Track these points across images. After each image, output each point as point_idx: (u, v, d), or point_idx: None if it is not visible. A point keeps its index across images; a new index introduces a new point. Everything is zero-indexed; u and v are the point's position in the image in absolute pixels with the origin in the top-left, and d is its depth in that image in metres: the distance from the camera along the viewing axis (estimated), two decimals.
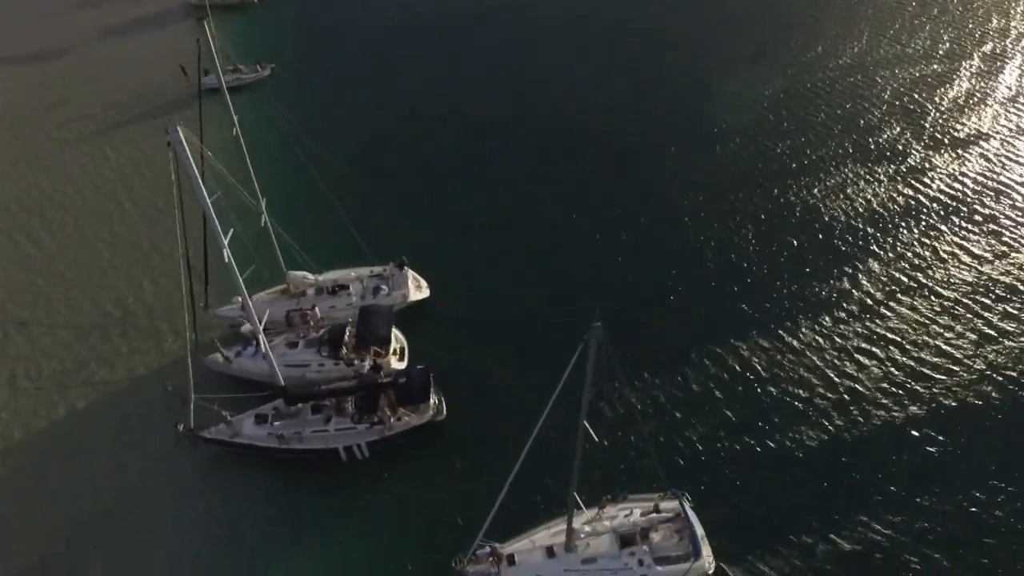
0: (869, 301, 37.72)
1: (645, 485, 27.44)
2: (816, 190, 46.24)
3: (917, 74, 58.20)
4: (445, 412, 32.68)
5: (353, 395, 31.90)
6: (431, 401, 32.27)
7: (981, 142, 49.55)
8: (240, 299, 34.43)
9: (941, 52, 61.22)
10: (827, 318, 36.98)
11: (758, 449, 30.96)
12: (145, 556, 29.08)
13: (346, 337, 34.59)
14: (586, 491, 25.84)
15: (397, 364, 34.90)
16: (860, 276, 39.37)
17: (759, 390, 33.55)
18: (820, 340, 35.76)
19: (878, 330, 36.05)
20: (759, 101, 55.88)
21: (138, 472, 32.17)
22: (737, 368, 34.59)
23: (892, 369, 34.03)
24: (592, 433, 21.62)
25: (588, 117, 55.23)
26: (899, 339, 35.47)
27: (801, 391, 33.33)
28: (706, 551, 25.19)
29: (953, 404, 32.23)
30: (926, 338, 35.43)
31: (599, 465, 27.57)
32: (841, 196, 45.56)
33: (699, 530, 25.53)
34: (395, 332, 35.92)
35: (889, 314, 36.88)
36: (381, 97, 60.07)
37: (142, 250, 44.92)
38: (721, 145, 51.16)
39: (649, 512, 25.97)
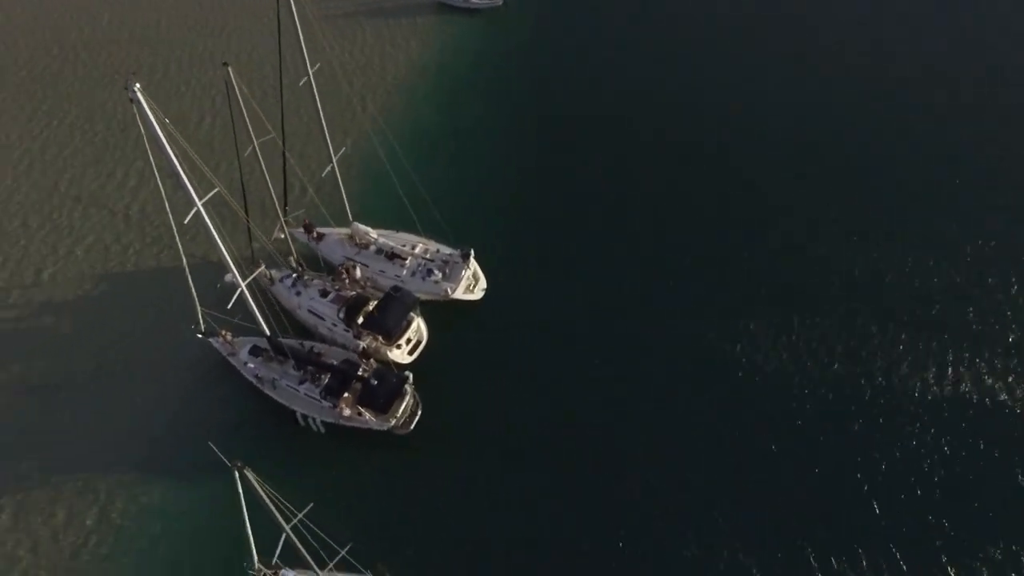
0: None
1: None
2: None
3: None
4: (412, 428, 30.47)
5: (328, 372, 31.03)
6: (398, 412, 30.23)
7: None
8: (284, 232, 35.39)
9: None
10: None
11: None
12: (97, 425, 32.04)
13: (368, 308, 33.35)
14: None
15: (404, 357, 32.96)
16: None
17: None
18: None
19: None
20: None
21: (141, 354, 34.46)
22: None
23: None
24: None
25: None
26: None
27: None
28: None
29: None
30: None
31: None
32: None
33: None
34: (419, 323, 33.74)
35: None
36: (616, 72, 50.42)
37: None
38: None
39: None
